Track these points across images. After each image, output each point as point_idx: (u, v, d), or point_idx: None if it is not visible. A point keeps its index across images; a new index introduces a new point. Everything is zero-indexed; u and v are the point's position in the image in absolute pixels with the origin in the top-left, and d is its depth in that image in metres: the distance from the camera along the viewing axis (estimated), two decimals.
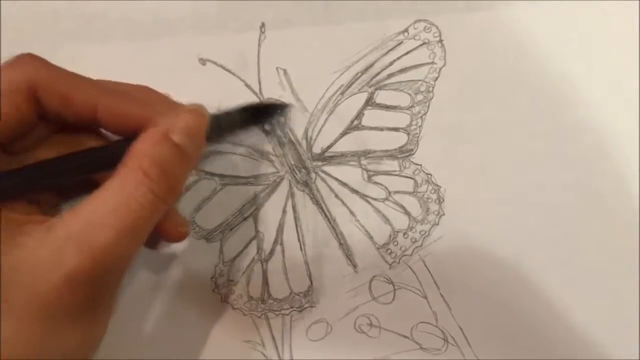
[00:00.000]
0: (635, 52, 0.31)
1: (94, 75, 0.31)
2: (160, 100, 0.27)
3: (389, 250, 0.30)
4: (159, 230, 0.26)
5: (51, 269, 0.21)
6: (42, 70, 0.24)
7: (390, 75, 0.31)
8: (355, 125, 0.31)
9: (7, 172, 0.24)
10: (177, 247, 0.30)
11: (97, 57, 0.32)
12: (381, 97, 0.31)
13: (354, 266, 0.30)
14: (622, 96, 0.30)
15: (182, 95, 0.31)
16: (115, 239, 0.22)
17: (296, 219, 0.30)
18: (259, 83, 0.31)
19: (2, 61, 0.29)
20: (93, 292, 0.22)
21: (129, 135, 0.24)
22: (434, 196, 0.30)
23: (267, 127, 0.31)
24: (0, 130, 0.24)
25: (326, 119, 0.31)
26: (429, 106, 0.31)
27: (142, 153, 0.23)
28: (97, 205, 0.22)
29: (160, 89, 0.31)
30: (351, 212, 0.30)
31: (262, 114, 0.30)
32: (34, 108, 0.24)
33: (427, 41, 0.31)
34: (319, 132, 0.31)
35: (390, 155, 0.31)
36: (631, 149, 0.30)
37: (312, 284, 0.30)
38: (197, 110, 0.25)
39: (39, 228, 0.22)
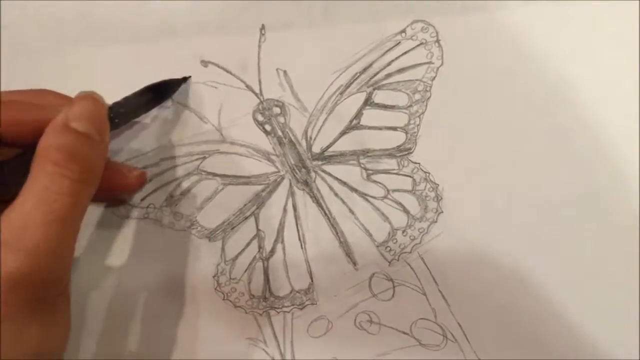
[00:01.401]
0: (633, 51, 0.31)
1: (98, 78, 0.32)
2: (57, 99, 0.27)
3: (388, 248, 0.30)
4: (113, 187, 0.28)
5: None
6: None
7: (388, 75, 0.31)
8: (354, 125, 0.31)
9: None
10: (179, 246, 0.31)
11: (99, 60, 0.32)
12: (379, 96, 0.31)
13: (354, 264, 0.30)
14: (621, 95, 0.31)
15: (184, 97, 0.32)
16: (45, 233, 0.22)
17: (297, 217, 0.31)
18: (260, 84, 0.31)
19: (3, 68, 0.30)
20: (39, 289, 0.22)
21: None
22: (432, 194, 0.30)
23: (259, 116, 0.31)
24: None
25: (325, 119, 0.31)
26: (426, 105, 0.31)
27: (47, 146, 0.23)
28: (21, 207, 0.22)
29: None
30: (351, 211, 0.31)
31: (163, 92, 0.31)
32: None
33: (424, 41, 0.31)
34: (318, 132, 0.31)
35: (389, 154, 0.31)
36: (630, 148, 0.30)
37: (312, 281, 0.30)
38: (89, 96, 0.26)
39: None
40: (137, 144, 0.31)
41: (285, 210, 0.31)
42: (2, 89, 0.32)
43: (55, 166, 0.23)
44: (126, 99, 0.29)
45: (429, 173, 0.31)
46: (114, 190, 0.30)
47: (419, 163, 0.31)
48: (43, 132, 0.24)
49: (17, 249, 0.22)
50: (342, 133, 0.31)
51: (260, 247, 0.31)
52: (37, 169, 0.23)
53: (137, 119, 0.31)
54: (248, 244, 0.31)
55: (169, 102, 0.31)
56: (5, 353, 0.22)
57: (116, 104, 0.28)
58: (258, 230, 0.31)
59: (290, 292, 0.31)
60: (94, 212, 0.31)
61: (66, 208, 0.23)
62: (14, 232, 0.22)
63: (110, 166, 0.28)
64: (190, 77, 0.31)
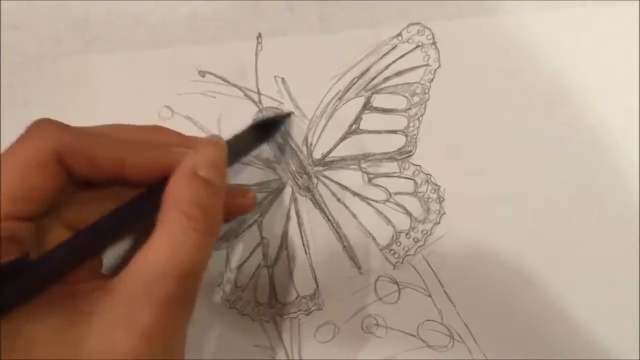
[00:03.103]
0: (632, 50, 0.31)
1: (96, 87, 0.32)
2: (176, 139, 0.27)
3: (392, 251, 0.31)
4: (233, 212, 0.28)
5: (126, 330, 0.21)
6: (64, 136, 0.24)
7: (386, 79, 0.31)
8: (353, 130, 0.31)
9: (64, 243, 0.23)
10: None
11: (98, 69, 0.32)
12: (378, 100, 0.31)
13: (359, 268, 0.31)
14: (620, 95, 0.31)
15: (183, 107, 0.32)
16: (177, 286, 0.22)
17: (300, 224, 0.31)
18: (258, 93, 0.32)
19: (2, 85, 0.30)
20: (167, 341, 0.22)
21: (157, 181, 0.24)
22: (434, 196, 0.31)
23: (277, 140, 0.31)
24: (38, 204, 0.23)
25: (325, 125, 0.31)
26: (425, 107, 0.31)
27: (179, 197, 0.23)
28: (153, 258, 0.22)
29: (161, 101, 0.32)
30: (353, 215, 0.31)
31: (269, 128, 0.31)
32: (64, 174, 0.24)
33: (420, 44, 0.31)
34: (318, 138, 0.31)
35: (390, 157, 0.31)
36: (631, 148, 0.30)
37: (318, 287, 0.31)
38: (215, 141, 0.25)
39: (101, 292, 0.22)
40: None
41: (288, 217, 0.31)
42: (2, 97, 0.32)
43: (190, 220, 0.23)
44: (236, 137, 0.28)
45: (430, 175, 0.31)
46: (233, 215, 0.29)
47: (420, 165, 0.31)
48: (162, 173, 0.24)
49: (150, 301, 0.22)
50: (342, 138, 0.31)
51: (264, 255, 0.31)
52: (171, 220, 0.23)
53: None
54: (252, 252, 0.31)
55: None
56: None
57: (230, 144, 0.27)
58: (262, 237, 0.31)
59: (296, 298, 0.31)
60: None
61: (197, 261, 0.23)
62: (146, 282, 0.22)
63: (229, 191, 0.28)
64: (293, 113, 0.31)
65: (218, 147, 0.25)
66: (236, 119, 0.32)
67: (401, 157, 0.31)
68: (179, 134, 0.27)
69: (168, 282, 0.22)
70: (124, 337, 0.21)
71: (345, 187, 0.31)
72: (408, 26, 0.31)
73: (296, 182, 0.31)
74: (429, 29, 0.31)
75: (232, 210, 0.28)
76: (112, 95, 0.32)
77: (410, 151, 0.31)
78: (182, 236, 0.22)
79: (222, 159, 0.25)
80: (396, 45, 0.31)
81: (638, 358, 0.29)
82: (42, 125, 0.24)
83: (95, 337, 0.21)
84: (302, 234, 0.31)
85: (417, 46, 0.31)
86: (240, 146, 0.28)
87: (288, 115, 0.31)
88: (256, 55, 0.32)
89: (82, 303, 0.22)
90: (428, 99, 0.31)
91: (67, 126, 0.24)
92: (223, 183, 0.25)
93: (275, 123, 0.31)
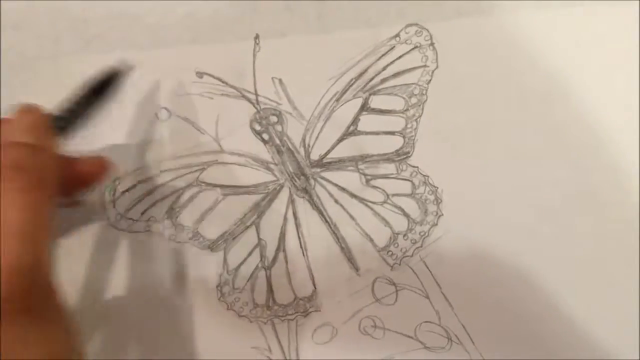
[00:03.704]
0: (630, 50, 0.31)
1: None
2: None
3: (390, 252, 0.31)
4: (76, 178, 0.28)
5: None
6: None
7: (383, 80, 0.31)
8: (351, 131, 0.31)
9: None
10: (182, 257, 0.31)
11: (95, 70, 0.32)
12: (376, 102, 0.31)
13: (356, 269, 0.31)
14: (619, 94, 0.31)
15: (181, 107, 0.32)
16: (22, 245, 0.23)
17: (297, 225, 0.31)
18: (256, 93, 0.31)
19: (2, 85, 0.30)
20: (29, 302, 0.23)
21: None
22: (432, 197, 0.31)
23: (256, 125, 0.31)
24: None
25: (323, 126, 0.31)
26: (423, 109, 0.31)
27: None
28: None
29: (159, 101, 0.32)
30: (351, 216, 0.31)
31: (107, 86, 0.30)
32: None
33: (418, 45, 0.31)
34: (316, 139, 0.31)
35: (387, 158, 0.31)
36: (630, 147, 0.30)
37: (315, 288, 0.31)
38: (22, 108, 0.26)
39: None
40: (136, 157, 0.32)
41: (285, 218, 0.31)
42: (2, 97, 0.32)
43: (6, 182, 0.23)
44: (72, 102, 0.29)
45: (428, 176, 0.31)
46: (78, 181, 0.29)
47: (417, 167, 0.31)
48: None
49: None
50: (340, 139, 0.31)
51: (262, 256, 0.31)
52: None
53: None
54: (250, 253, 0.31)
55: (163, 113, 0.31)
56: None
57: (64, 110, 0.28)
58: (259, 239, 0.31)
59: (294, 300, 0.31)
60: (94, 227, 0.31)
61: (31, 219, 0.23)
62: None
63: (67, 159, 0.28)
64: (131, 66, 0.30)
65: (27, 112, 0.26)
66: (234, 120, 0.32)
67: (399, 158, 0.31)
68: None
69: (10, 242, 0.22)
70: None
71: (342, 189, 0.31)
72: (406, 27, 0.31)
73: (294, 183, 0.31)
74: (427, 29, 0.31)
75: (78, 179, 0.29)
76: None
77: (408, 152, 0.31)
78: (6, 198, 0.23)
79: (37, 121, 0.26)
80: (394, 46, 0.31)
81: (638, 358, 0.29)
82: None
83: None
84: (300, 236, 0.31)
85: (415, 47, 0.31)
86: (78, 108, 0.29)
87: (121, 69, 0.30)
88: (254, 56, 0.32)
89: None
90: (426, 100, 0.31)
91: None
92: (47, 142, 0.26)
93: (111, 80, 0.30)
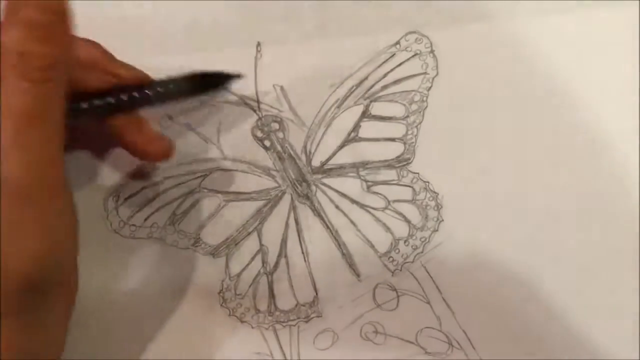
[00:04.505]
0: (631, 53, 0.31)
1: None
2: None
3: (391, 258, 0.31)
4: (140, 150, 0.28)
5: None
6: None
7: (384, 87, 0.32)
8: (352, 138, 0.32)
9: None
10: (184, 263, 0.31)
11: None
12: (376, 108, 0.32)
13: (358, 275, 0.31)
14: (620, 97, 0.31)
15: (182, 115, 0.32)
16: (17, 133, 0.21)
17: (299, 231, 0.31)
18: (257, 101, 0.32)
19: None
20: (23, 191, 0.22)
21: None
22: (433, 203, 0.31)
23: (257, 132, 0.31)
24: None
25: (324, 133, 0.32)
26: (423, 115, 0.31)
27: (2, 44, 0.22)
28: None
29: (161, 108, 0.32)
30: (352, 223, 0.31)
31: (208, 83, 0.30)
32: None
33: (418, 52, 0.31)
34: (317, 146, 0.32)
35: (388, 165, 0.31)
36: (631, 151, 0.30)
37: (317, 294, 0.31)
38: None
39: None
40: (139, 164, 0.32)
41: (287, 224, 0.31)
42: None
43: (13, 69, 0.22)
44: (170, 79, 0.28)
45: (429, 182, 0.31)
46: (141, 156, 0.29)
47: (418, 173, 0.31)
48: None
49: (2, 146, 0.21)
50: (341, 146, 0.32)
51: (264, 262, 0.31)
52: (2, 68, 0.22)
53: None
54: (252, 260, 0.31)
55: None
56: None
57: (158, 82, 0.28)
58: (261, 245, 0.31)
59: (296, 306, 0.31)
60: (97, 233, 0.31)
61: (34, 109, 0.22)
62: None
63: (144, 131, 0.28)
64: (244, 75, 0.30)
65: None
66: (236, 127, 0.32)
67: (399, 164, 0.31)
68: None
69: (4, 130, 0.21)
70: None
71: (344, 195, 0.31)
72: (406, 34, 0.32)
73: (295, 189, 0.32)
74: (427, 37, 0.31)
75: (140, 153, 0.28)
76: None
77: (409, 159, 0.31)
78: (10, 85, 0.21)
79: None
80: (394, 54, 0.31)
81: (638, 358, 0.29)
82: None
83: None
84: (301, 242, 0.31)
85: (415, 54, 0.31)
86: (172, 88, 0.28)
87: (237, 76, 0.30)
88: (255, 63, 0.32)
89: None
90: (426, 106, 0.31)
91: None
92: (53, 20, 0.22)
93: (219, 79, 0.30)
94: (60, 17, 0.23)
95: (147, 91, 0.28)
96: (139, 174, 0.31)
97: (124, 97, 0.27)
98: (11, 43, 0.22)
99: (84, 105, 0.26)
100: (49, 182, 0.23)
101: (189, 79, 0.29)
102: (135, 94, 0.28)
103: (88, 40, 0.28)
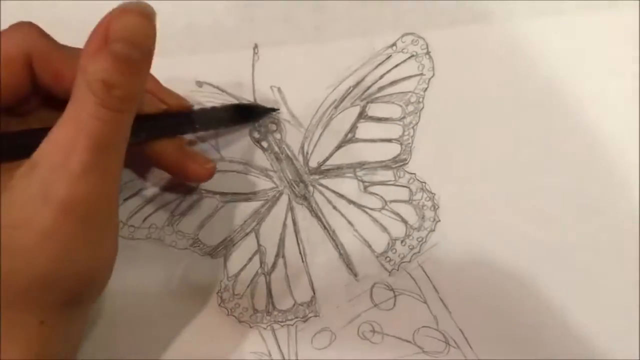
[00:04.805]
0: (628, 55, 0.31)
1: None
2: None
3: (388, 258, 0.31)
4: (185, 174, 0.29)
5: (44, 202, 0.22)
6: (38, 43, 0.25)
7: (381, 88, 0.32)
8: (349, 139, 0.32)
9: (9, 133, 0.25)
10: (183, 263, 0.31)
11: None
12: (373, 109, 0.32)
13: (355, 275, 0.31)
14: (617, 99, 0.31)
15: None
16: (91, 157, 0.22)
17: (296, 231, 0.31)
18: (255, 102, 0.32)
19: None
20: (88, 213, 0.23)
21: None
22: (429, 203, 0.31)
23: (255, 133, 0.32)
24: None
25: (321, 134, 0.32)
26: (420, 116, 0.31)
27: (86, 70, 0.22)
28: (65, 132, 0.22)
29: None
30: (349, 223, 0.31)
31: (250, 115, 0.31)
32: (27, 78, 0.25)
33: (415, 53, 0.32)
34: (314, 147, 0.32)
35: (385, 165, 0.31)
36: (628, 152, 0.30)
37: (314, 294, 0.31)
38: (132, 9, 0.22)
39: (23, 167, 0.23)
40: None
41: (285, 225, 0.31)
42: None
43: (92, 95, 0.22)
44: (212, 108, 0.30)
45: (425, 183, 0.31)
46: (184, 177, 0.30)
47: (414, 173, 0.31)
48: None
49: (66, 173, 0.22)
50: (338, 147, 0.32)
51: (261, 262, 0.31)
52: (79, 93, 0.22)
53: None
54: (250, 260, 0.31)
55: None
56: (57, 269, 0.23)
57: (201, 110, 0.30)
58: (259, 245, 0.31)
59: (293, 306, 0.31)
60: None
61: (107, 135, 0.23)
62: (63, 155, 0.22)
63: (187, 152, 0.29)
64: (278, 109, 0.32)
65: (136, 16, 0.22)
66: (233, 129, 0.32)
67: (396, 165, 0.31)
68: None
69: (81, 153, 0.22)
70: (42, 209, 0.22)
71: (341, 195, 0.32)
72: (402, 36, 0.32)
73: (293, 190, 0.32)
74: (423, 38, 0.32)
75: (184, 174, 0.29)
76: None
77: (405, 159, 0.31)
78: (89, 110, 0.22)
79: (141, 32, 0.22)
80: (391, 55, 0.32)
81: (638, 358, 0.29)
82: (22, 27, 0.25)
83: (15, 209, 0.22)
84: (299, 242, 0.31)
85: (412, 56, 0.32)
86: (213, 117, 0.30)
87: (272, 109, 0.31)
88: (253, 65, 0.32)
89: (5, 179, 0.23)
90: (422, 107, 0.31)
91: (45, 34, 0.26)
92: (144, 59, 0.23)
93: (259, 112, 0.31)
94: (149, 55, 0.23)
95: (191, 117, 0.29)
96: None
97: (172, 120, 0.29)
98: (97, 72, 0.22)
99: (138, 126, 0.26)
100: (110, 205, 0.24)
101: (229, 109, 0.31)
102: (182, 119, 0.29)
103: None
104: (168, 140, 0.29)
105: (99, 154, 0.22)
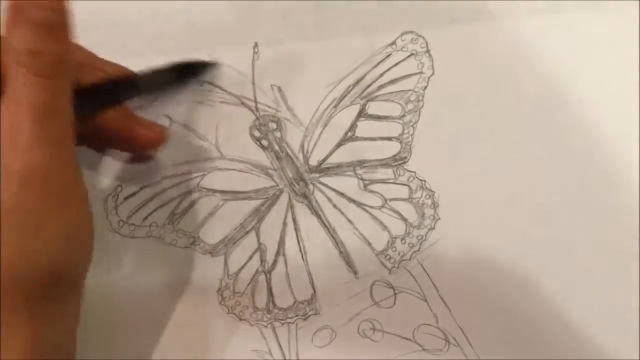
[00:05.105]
0: (628, 54, 0.31)
1: None
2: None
3: (388, 256, 0.31)
4: (133, 137, 0.29)
5: (4, 178, 0.22)
6: None
7: (380, 87, 0.32)
8: (349, 137, 0.32)
9: None
10: (183, 262, 0.31)
11: None
12: (373, 108, 0.32)
13: (355, 273, 0.31)
14: (617, 98, 0.31)
15: (181, 115, 0.32)
16: (37, 126, 0.22)
17: (297, 230, 0.31)
18: (255, 101, 0.32)
19: None
20: (47, 182, 0.23)
21: None
22: (429, 201, 0.31)
23: (255, 132, 0.32)
24: None
25: (321, 132, 0.32)
26: (419, 114, 0.32)
27: (11, 44, 0.23)
28: (7, 111, 0.23)
29: (161, 110, 0.32)
30: (349, 221, 0.31)
31: (192, 71, 0.32)
32: None
33: (414, 52, 0.32)
34: (314, 145, 0.32)
35: (385, 164, 0.32)
36: (628, 151, 0.30)
37: (315, 292, 0.31)
38: None
39: None
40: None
41: (285, 223, 0.32)
42: None
43: (26, 67, 0.23)
44: (153, 70, 0.30)
45: (425, 181, 0.31)
46: (136, 144, 0.30)
47: (414, 172, 0.31)
48: None
49: (17, 145, 0.22)
50: (338, 145, 0.32)
51: (262, 260, 0.31)
52: (10, 74, 0.23)
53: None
54: (250, 258, 0.31)
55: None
56: (27, 244, 0.23)
57: (142, 73, 0.30)
58: (259, 243, 0.32)
59: (294, 304, 0.31)
60: (96, 232, 0.31)
61: (49, 103, 0.23)
62: (7, 132, 0.22)
63: (134, 118, 0.30)
64: (218, 63, 0.32)
65: None
66: (234, 127, 0.32)
67: (396, 163, 0.31)
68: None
69: (26, 125, 0.22)
70: (2, 187, 0.22)
71: (341, 194, 0.32)
72: (402, 34, 0.32)
73: (293, 188, 0.32)
74: (423, 37, 0.32)
75: (133, 140, 0.29)
76: None
77: (405, 157, 0.31)
78: (23, 82, 0.23)
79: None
80: (390, 54, 0.32)
81: (638, 358, 0.29)
82: None
83: None
84: (299, 240, 0.31)
85: (411, 54, 0.32)
86: (155, 78, 0.30)
87: (212, 64, 0.32)
88: (253, 64, 0.32)
89: None
90: (422, 106, 0.32)
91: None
92: (58, 20, 0.24)
93: (197, 67, 0.32)
94: (64, 16, 0.24)
95: (134, 81, 0.29)
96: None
97: (116, 87, 0.29)
98: (21, 42, 0.23)
99: (82, 98, 0.27)
100: (69, 172, 0.24)
101: (170, 68, 0.31)
102: (125, 85, 0.29)
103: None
104: (115, 111, 0.29)
105: (44, 122, 0.23)
